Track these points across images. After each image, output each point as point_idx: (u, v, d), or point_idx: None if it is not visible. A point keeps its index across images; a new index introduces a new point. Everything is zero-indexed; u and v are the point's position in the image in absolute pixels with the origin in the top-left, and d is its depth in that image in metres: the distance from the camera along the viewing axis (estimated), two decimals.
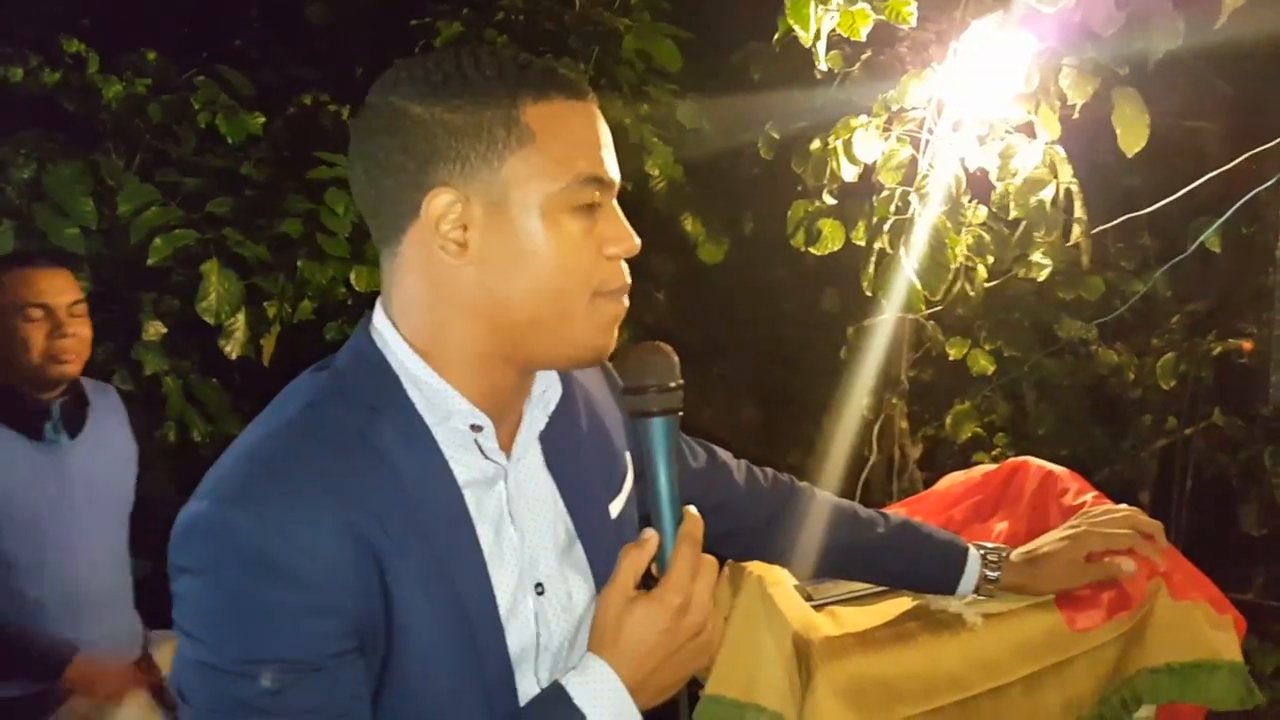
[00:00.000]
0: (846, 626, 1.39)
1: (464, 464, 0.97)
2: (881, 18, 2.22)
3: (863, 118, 2.35)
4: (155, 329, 3.11)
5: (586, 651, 0.96)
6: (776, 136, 2.73)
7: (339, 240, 3.07)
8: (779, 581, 1.39)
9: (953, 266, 2.27)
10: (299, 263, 3.08)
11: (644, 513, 1.06)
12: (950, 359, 3.12)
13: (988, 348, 3.13)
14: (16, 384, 2.15)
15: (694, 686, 1.30)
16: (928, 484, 2.06)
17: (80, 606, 2.16)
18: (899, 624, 1.40)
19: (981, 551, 1.41)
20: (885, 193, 2.36)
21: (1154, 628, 1.42)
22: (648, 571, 0.98)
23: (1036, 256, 2.37)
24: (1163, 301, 3.32)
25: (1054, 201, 2.26)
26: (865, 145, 2.34)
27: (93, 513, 2.21)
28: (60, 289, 2.18)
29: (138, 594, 2.33)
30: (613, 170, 0.97)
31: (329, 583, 0.87)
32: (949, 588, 1.41)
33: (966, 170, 2.28)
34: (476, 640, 0.94)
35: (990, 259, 2.40)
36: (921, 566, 1.42)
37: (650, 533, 0.98)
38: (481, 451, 0.98)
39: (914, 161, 2.33)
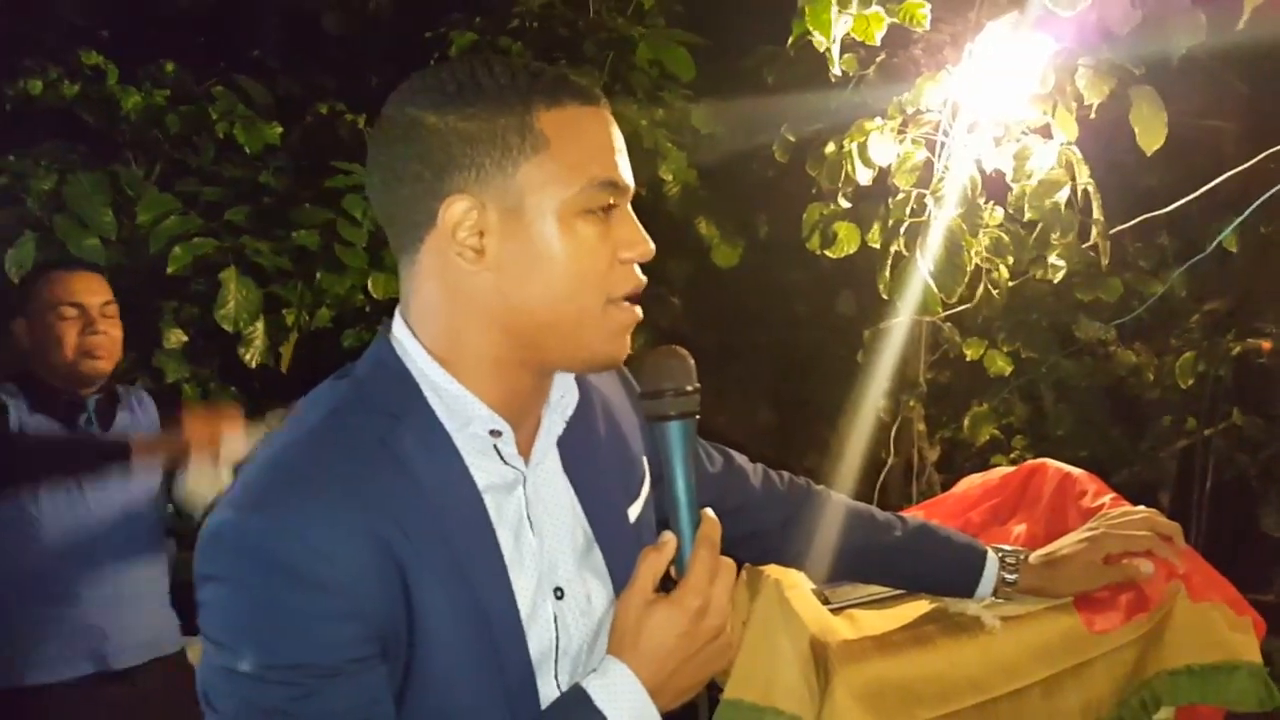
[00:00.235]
0: (864, 630, 1.39)
1: (484, 469, 0.97)
2: (896, 20, 2.22)
3: (878, 120, 2.35)
4: (176, 337, 3.15)
5: (606, 654, 0.97)
6: (792, 139, 2.73)
7: (356, 251, 3.09)
8: (796, 585, 1.39)
9: (969, 269, 2.26)
10: (318, 274, 3.11)
11: (662, 516, 1.07)
12: (968, 360, 3.11)
13: (1005, 349, 3.12)
14: (52, 379, 2.28)
15: (714, 690, 1.30)
16: (946, 487, 2.06)
17: (115, 594, 2.25)
18: (917, 627, 1.40)
19: (1000, 554, 1.41)
20: (900, 195, 2.35)
21: (1173, 629, 1.41)
22: (666, 574, 0.99)
23: (1053, 258, 2.36)
24: (1181, 301, 3.30)
25: (1071, 202, 2.25)
26: (880, 148, 2.34)
27: (125, 500, 2.28)
28: (93, 290, 2.32)
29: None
30: (626, 175, 0.98)
31: (351, 588, 0.88)
32: (967, 591, 1.41)
33: (982, 172, 2.28)
34: (498, 644, 0.95)
35: (1010, 260, 2.39)
36: (939, 569, 1.41)
37: (669, 536, 0.99)
38: (500, 457, 0.99)
39: (929, 164, 2.33)
